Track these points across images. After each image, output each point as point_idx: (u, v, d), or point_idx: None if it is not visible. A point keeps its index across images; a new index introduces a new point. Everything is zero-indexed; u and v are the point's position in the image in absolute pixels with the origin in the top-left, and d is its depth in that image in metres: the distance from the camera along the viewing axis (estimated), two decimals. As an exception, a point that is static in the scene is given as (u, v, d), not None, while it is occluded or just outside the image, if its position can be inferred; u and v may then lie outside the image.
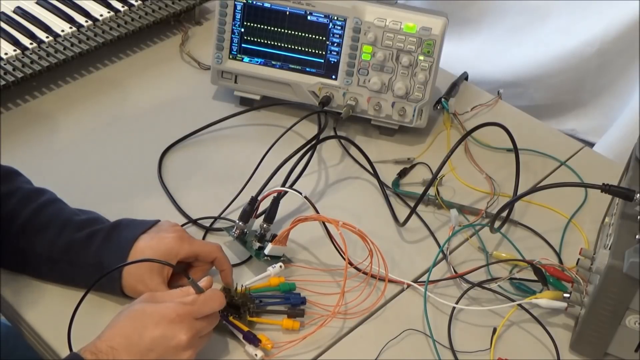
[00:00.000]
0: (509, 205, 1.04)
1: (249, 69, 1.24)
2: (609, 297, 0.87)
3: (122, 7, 1.39)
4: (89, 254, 0.93)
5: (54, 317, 0.94)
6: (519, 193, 1.10)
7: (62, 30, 1.32)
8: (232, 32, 1.23)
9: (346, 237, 0.97)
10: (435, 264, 1.03)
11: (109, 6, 1.39)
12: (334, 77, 1.21)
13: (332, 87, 1.22)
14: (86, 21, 1.35)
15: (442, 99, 1.27)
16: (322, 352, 0.94)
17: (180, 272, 0.90)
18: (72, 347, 0.86)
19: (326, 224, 0.99)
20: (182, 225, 1.03)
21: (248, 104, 1.28)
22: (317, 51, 1.21)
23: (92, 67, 1.33)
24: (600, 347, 0.92)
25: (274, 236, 1.01)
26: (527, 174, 1.17)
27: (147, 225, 0.96)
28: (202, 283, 0.87)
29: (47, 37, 1.31)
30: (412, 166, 1.19)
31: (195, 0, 1.42)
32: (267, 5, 1.20)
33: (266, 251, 1.00)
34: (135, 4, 1.40)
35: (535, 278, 0.98)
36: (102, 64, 1.34)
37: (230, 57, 1.24)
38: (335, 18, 1.18)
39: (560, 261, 1.06)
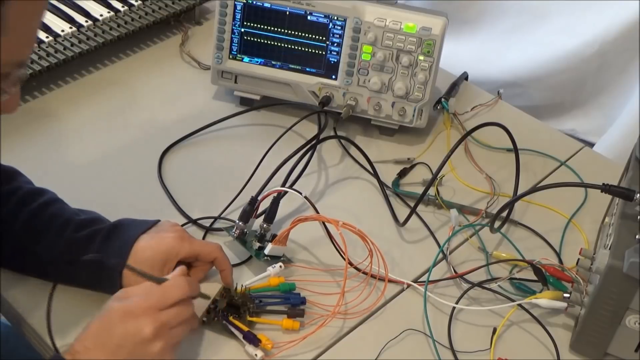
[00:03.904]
0: (509, 205, 1.04)
1: (249, 69, 1.24)
2: (609, 297, 0.87)
3: (122, 7, 1.39)
4: (90, 254, 0.93)
5: (55, 317, 0.94)
6: (519, 193, 1.10)
7: (62, 30, 1.32)
8: (232, 32, 1.23)
9: (346, 237, 0.97)
10: (435, 264, 1.03)
11: (109, 6, 1.39)
12: (334, 77, 1.21)
13: (332, 87, 1.22)
14: (86, 21, 1.35)
15: (442, 99, 1.27)
16: (322, 352, 0.94)
17: (150, 278, 0.88)
18: (57, 346, 0.88)
19: (326, 224, 0.99)
20: (182, 225, 1.03)
21: (248, 104, 1.28)
22: (317, 51, 1.21)
23: (92, 67, 1.34)
24: (600, 347, 0.92)
25: (274, 236, 1.01)
26: (527, 174, 1.17)
27: (148, 225, 0.96)
28: (174, 273, 0.87)
29: (47, 37, 1.30)
30: (412, 166, 1.19)
31: (195, 0, 1.42)
32: (267, 5, 1.20)
33: (266, 251, 1.00)
34: (135, 4, 1.40)
35: (535, 278, 0.98)
36: (102, 64, 1.34)
37: (230, 57, 1.24)
38: (335, 18, 1.18)
39: (560, 261, 1.06)
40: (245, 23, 1.22)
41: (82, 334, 0.83)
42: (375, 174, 1.16)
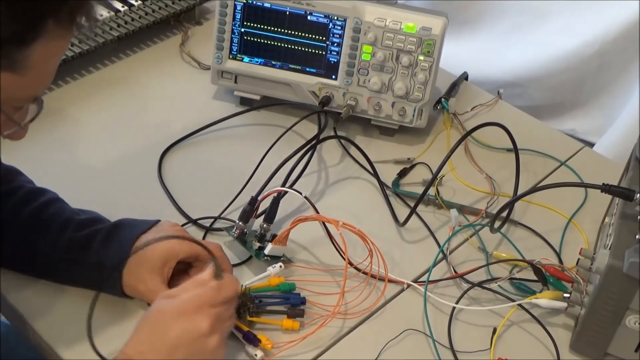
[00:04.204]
0: (509, 205, 1.04)
1: (249, 69, 1.24)
2: (609, 297, 0.87)
3: (122, 7, 1.39)
4: (90, 254, 0.93)
5: (54, 316, 0.94)
6: (519, 193, 1.10)
7: (62, 30, 1.32)
8: (232, 32, 1.23)
9: (346, 237, 0.97)
10: (435, 264, 1.03)
11: (109, 6, 1.39)
12: (334, 77, 1.21)
13: (332, 87, 1.22)
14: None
15: (442, 99, 1.27)
16: (322, 352, 0.94)
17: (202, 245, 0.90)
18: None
19: (326, 224, 0.99)
20: (182, 225, 1.03)
21: (248, 104, 1.28)
22: (317, 51, 1.21)
23: (92, 67, 1.34)
24: (600, 347, 0.92)
25: (274, 236, 1.01)
26: (527, 174, 1.17)
27: (148, 225, 0.96)
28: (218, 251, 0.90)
29: (47, 37, 1.30)
30: (412, 166, 1.19)
31: (195, 0, 1.42)
32: (267, 5, 1.20)
33: (266, 251, 1.00)
34: (135, 4, 1.40)
35: (535, 278, 0.98)
36: (102, 64, 1.34)
37: (230, 57, 1.24)
38: (335, 18, 1.18)
39: (560, 261, 1.06)
40: (245, 23, 1.22)
41: (132, 341, 0.82)
42: (375, 174, 1.16)
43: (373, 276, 1.01)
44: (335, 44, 1.20)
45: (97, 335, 0.85)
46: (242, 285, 0.96)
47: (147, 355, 0.81)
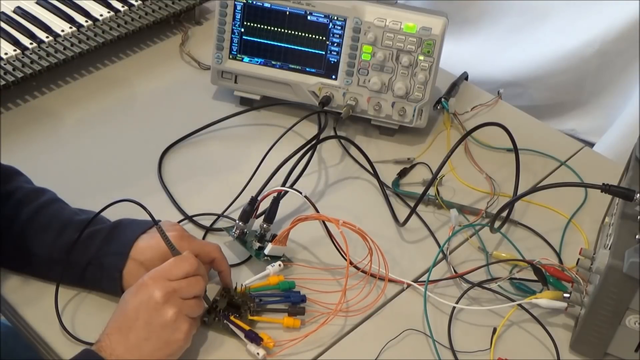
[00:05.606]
0: (509, 205, 1.04)
1: (249, 69, 1.24)
2: (609, 297, 0.87)
3: (122, 7, 1.39)
4: (90, 254, 0.94)
5: (54, 317, 0.94)
6: (519, 193, 1.10)
7: (62, 30, 1.32)
8: (232, 32, 1.23)
9: (346, 237, 0.97)
10: (435, 264, 1.03)
11: (109, 6, 1.39)
12: (334, 77, 1.21)
13: (332, 87, 1.22)
14: (86, 21, 1.35)
15: (442, 99, 1.27)
16: (323, 351, 0.94)
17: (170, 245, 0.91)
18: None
19: (326, 223, 0.99)
20: (179, 222, 1.03)
21: (248, 104, 1.28)
22: (317, 51, 1.21)
23: (92, 67, 1.34)
24: (600, 347, 0.92)
25: (274, 236, 1.01)
26: (527, 174, 1.17)
27: (148, 225, 0.96)
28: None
29: (47, 37, 1.31)
30: (412, 166, 1.19)
31: (195, 0, 1.42)
32: (267, 5, 1.20)
33: (266, 251, 1.00)
34: (135, 4, 1.40)
35: (535, 278, 0.98)
36: (102, 64, 1.34)
37: (230, 57, 1.24)
38: (335, 18, 1.18)
39: (560, 261, 1.06)
40: (245, 23, 1.22)
41: (104, 330, 0.86)
42: (375, 174, 1.16)
43: (373, 275, 1.00)
44: (335, 44, 1.20)
45: (98, 332, 0.86)
46: (242, 285, 0.96)
47: (112, 335, 0.84)
